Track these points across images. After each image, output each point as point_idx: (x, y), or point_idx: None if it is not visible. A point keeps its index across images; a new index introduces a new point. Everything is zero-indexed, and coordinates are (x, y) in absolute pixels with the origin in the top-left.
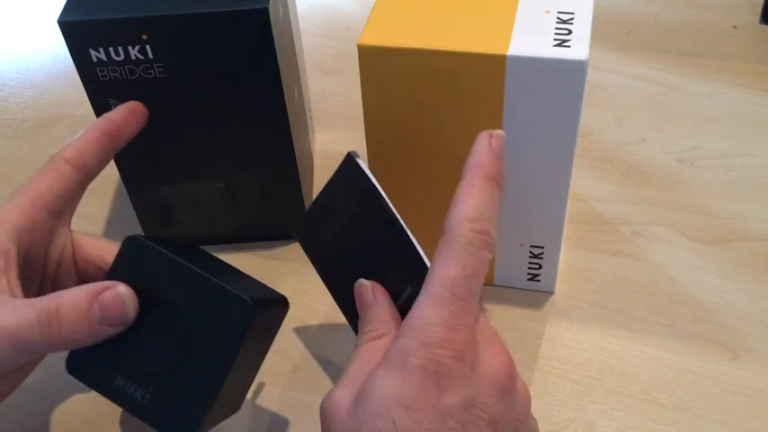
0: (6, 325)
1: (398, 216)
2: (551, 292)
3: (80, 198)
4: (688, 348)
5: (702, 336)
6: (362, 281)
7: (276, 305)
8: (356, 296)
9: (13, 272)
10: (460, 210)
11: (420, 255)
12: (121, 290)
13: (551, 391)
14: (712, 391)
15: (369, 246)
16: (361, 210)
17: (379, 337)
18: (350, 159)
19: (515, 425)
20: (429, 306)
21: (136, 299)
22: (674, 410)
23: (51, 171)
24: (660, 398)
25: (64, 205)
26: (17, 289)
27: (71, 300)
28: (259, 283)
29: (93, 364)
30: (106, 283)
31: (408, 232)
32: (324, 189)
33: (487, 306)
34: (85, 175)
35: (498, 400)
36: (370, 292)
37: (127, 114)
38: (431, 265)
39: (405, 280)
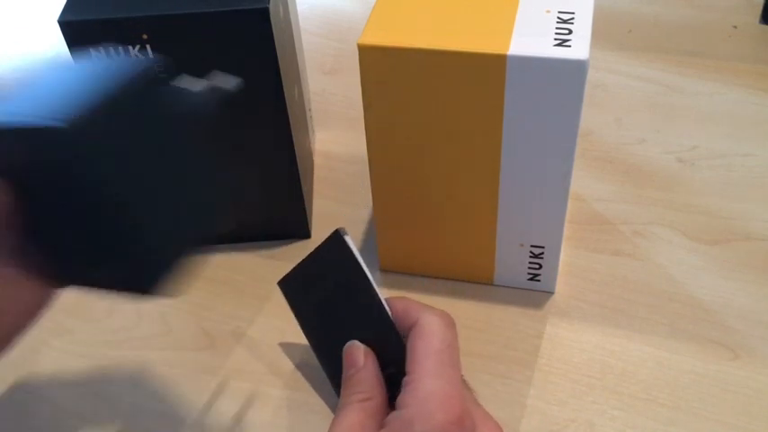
0: None
1: (384, 302)
2: (551, 292)
3: None
4: (688, 348)
5: (702, 336)
6: (356, 342)
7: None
8: (346, 356)
9: None
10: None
11: (402, 341)
12: None
13: (551, 391)
14: (712, 391)
15: (352, 319)
16: (347, 285)
17: (368, 399)
18: (338, 237)
19: None
20: (426, 378)
21: None
22: (674, 410)
23: None
24: (660, 398)
25: None
26: None
27: None
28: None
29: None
30: None
31: (391, 318)
32: (310, 255)
33: (487, 306)
34: None
35: None
36: (362, 354)
37: None
38: (413, 344)
39: (384, 362)
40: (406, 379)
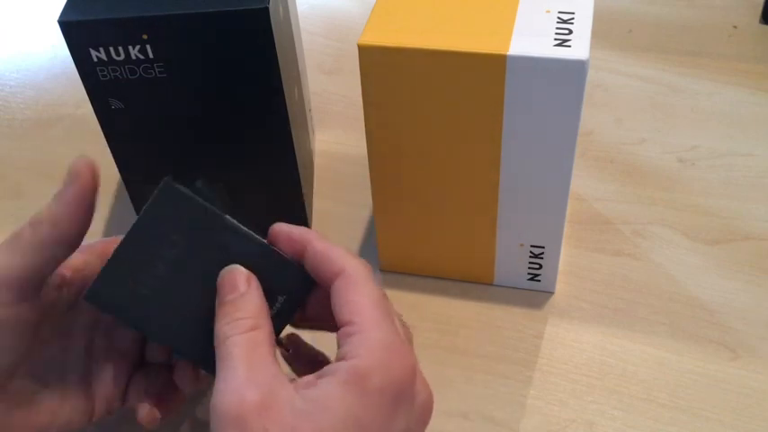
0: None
1: (247, 228)
2: (551, 292)
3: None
4: (688, 348)
5: (703, 336)
6: (236, 266)
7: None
8: (224, 284)
9: None
10: (332, 255)
11: (287, 259)
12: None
13: (551, 391)
14: (712, 391)
15: (212, 277)
16: (195, 240)
17: (254, 328)
18: (168, 188)
19: None
20: (377, 328)
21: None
22: (674, 410)
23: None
24: (660, 398)
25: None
26: None
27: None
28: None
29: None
30: None
31: (266, 242)
32: (127, 238)
33: (487, 306)
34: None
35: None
36: (243, 278)
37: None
38: (348, 292)
39: (274, 291)
40: (348, 329)
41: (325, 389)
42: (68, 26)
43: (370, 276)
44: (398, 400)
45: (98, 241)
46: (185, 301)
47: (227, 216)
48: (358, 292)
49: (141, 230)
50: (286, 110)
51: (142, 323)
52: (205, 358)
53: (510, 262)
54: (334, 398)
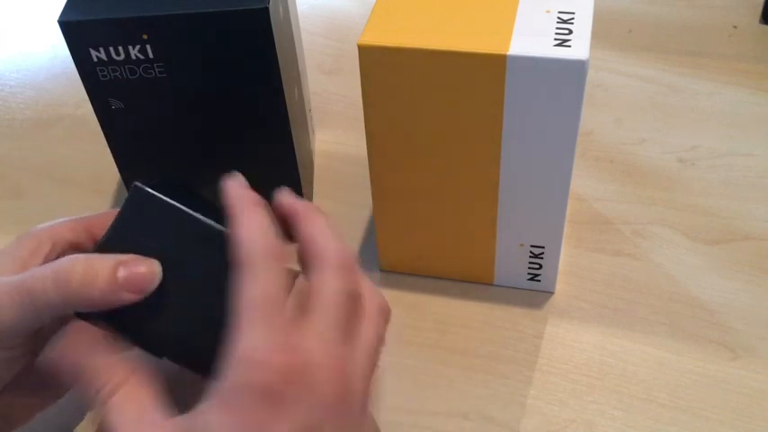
0: (21, 278)
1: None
2: (551, 292)
3: None
4: (688, 348)
5: (702, 336)
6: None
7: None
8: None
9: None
10: (240, 239)
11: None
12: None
13: (551, 391)
14: (712, 391)
15: (196, 276)
16: (173, 242)
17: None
18: (138, 193)
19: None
20: (242, 333)
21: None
22: (674, 410)
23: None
24: (660, 398)
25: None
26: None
27: (95, 260)
28: None
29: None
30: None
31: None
32: (99, 247)
33: (487, 306)
34: None
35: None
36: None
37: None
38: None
39: None
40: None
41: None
42: (68, 26)
43: (269, 267)
44: (271, 403)
45: (85, 217)
46: (173, 302)
47: (198, 215)
48: (241, 288)
49: (114, 238)
50: (286, 110)
51: (130, 330)
52: (195, 360)
53: (510, 262)
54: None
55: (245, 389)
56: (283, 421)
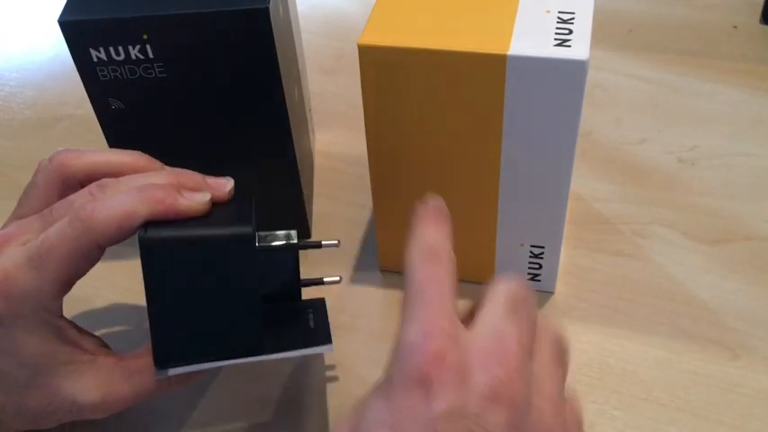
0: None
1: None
2: (551, 292)
3: None
4: (688, 348)
5: (703, 336)
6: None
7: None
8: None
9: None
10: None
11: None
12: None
13: None
14: (712, 391)
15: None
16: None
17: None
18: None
19: None
20: (404, 324)
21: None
22: (674, 410)
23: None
24: (660, 398)
25: None
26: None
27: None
28: None
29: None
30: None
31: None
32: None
33: None
34: None
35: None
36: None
37: None
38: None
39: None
40: None
41: None
42: (68, 26)
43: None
44: (422, 386)
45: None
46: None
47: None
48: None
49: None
50: (286, 110)
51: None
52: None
53: (510, 262)
54: None
55: (398, 373)
56: (437, 402)
